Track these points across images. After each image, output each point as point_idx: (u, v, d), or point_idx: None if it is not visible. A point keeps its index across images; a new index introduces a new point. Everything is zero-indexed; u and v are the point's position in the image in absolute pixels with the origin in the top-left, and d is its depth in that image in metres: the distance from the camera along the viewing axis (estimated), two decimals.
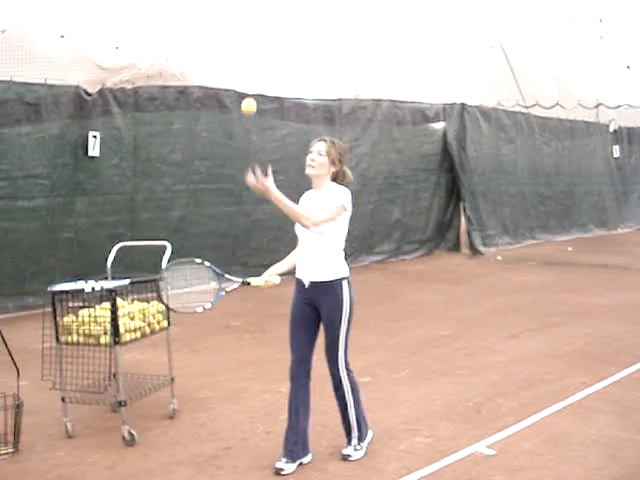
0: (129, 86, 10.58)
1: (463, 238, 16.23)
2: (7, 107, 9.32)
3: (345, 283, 4.87)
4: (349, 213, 4.88)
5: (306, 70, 12.98)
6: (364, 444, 5.04)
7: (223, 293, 4.82)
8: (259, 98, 12.16)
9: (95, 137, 10.09)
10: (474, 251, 15.77)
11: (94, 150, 10.10)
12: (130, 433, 5.22)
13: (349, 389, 4.96)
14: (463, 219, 16.21)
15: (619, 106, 18.16)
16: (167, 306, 4.85)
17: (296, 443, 4.84)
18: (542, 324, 9.14)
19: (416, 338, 8.44)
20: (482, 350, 7.90)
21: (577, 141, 19.64)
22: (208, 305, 4.73)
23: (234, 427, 5.59)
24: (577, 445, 5.18)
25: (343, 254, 4.94)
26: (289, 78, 12.69)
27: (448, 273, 13.59)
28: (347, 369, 4.96)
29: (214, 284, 4.84)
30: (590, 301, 10.56)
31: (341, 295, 4.84)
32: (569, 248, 16.93)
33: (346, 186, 4.94)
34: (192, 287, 4.82)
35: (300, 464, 4.85)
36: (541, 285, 12.12)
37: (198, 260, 4.87)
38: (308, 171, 4.89)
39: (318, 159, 4.85)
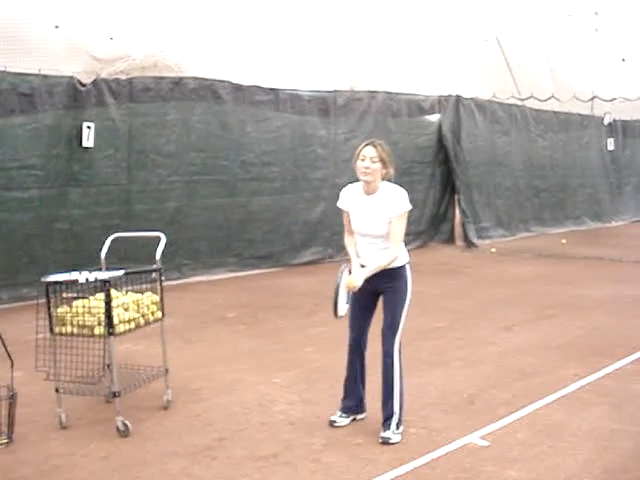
0: (124, 77, 10.55)
1: (458, 230, 16.26)
2: (1, 98, 9.29)
3: (408, 267, 5.25)
4: (410, 207, 5.18)
5: (301, 62, 12.97)
6: (400, 430, 5.14)
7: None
8: (254, 89, 12.18)
9: (89, 128, 10.06)
10: (468, 243, 15.80)
11: (88, 141, 10.08)
12: (124, 424, 5.22)
13: (398, 371, 5.14)
14: (458, 211, 16.24)
15: (614, 99, 18.17)
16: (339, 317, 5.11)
17: (352, 404, 5.38)
18: (536, 316, 9.16)
19: (410, 330, 8.38)
20: (476, 342, 7.91)
21: (572, 134, 19.66)
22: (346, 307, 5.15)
23: (228, 418, 5.60)
24: (570, 436, 5.20)
25: (403, 243, 5.23)
26: (284, 69, 12.67)
27: (442, 265, 13.60)
28: (400, 351, 5.18)
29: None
30: (584, 293, 10.59)
31: (406, 279, 5.21)
32: (563, 240, 16.97)
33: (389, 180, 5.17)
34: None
35: (354, 419, 5.38)
36: (535, 277, 12.14)
37: (343, 266, 5.18)
38: (364, 178, 5.06)
39: (372, 166, 5.02)
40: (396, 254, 5.07)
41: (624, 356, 7.22)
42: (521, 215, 18.01)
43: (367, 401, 5.49)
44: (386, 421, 5.14)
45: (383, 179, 5.13)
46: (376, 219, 5.08)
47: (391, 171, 5.16)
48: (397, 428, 5.11)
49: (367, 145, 5.09)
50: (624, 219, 21.60)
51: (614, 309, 9.53)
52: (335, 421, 5.35)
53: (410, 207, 5.15)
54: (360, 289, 5.09)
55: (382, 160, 5.03)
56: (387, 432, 5.08)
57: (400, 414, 5.14)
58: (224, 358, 7.26)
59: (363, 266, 5.18)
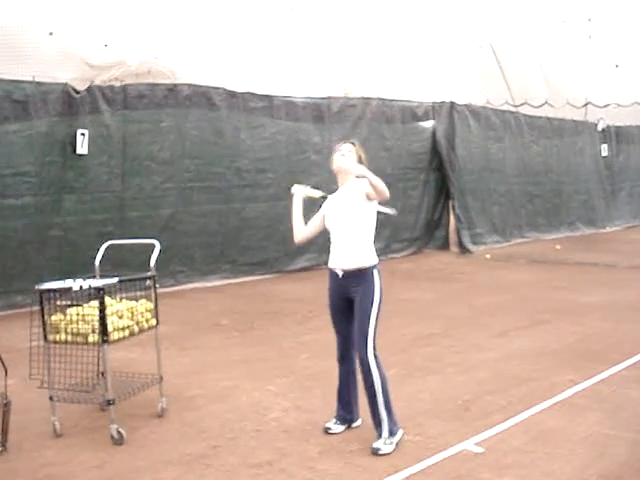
0: (118, 84, 10.56)
1: (452, 236, 16.27)
2: None
3: (375, 271, 5.16)
4: (376, 204, 5.22)
5: (295, 68, 13.00)
6: (394, 440, 5.06)
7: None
8: (248, 96, 12.19)
9: (83, 135, 10.06)
10: (463, 249, 15.81)
11: (82, 148, 10.08)
12: (118, 432, 5.21)
13: (378, 377, 5.05)
14: (452, 217, 16.25)
15: (607, 105, 18.24)
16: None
17: (346, 412, 5.39)
18: (531, 322, 9.16)
19: (405, 336, 8.44)
20: (471, 348, 7.91)
21: (566, 140, 19.71)
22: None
23: (223, 426, 5.58)
24: (565, 442, 5.20)
25: (373, 243, 5.23)
26: (279, 76, 12.70)
27: (437, 271, 13.61)
28: (375, 355, 5.08)
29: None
30: (578, 299, 10.60)
31: (374, 281, 5.12)
32: (557, 246, 16.98)
33: None
34: None
35: (349, 427, 5.40)
36: (530, 283, 12.15)
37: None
38: (338, 163, 5.25)
39: (348, 154, 5.25)
40: (386, 190, 5.06)
41: (619, 362, 7.22)
42: (515, 221, 18.03)
43: (362, 408, 5.46)
44: (377, 429, 5.09)
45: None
46: (346, 205, 5.16)
47: None
48: (389, 437, 5.03)
49: (345, 142, 5.41)
50: (618, 225, 21.64)
51: (609, 315, 9.54)
52: (330, 428, 5.35)
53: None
54: (329, 291, 5.26)
55: (358, 156, 5.30)
56: (378, 442, 5.03)
57: (390, 421, 5.06)
58: (218, 365, 7.24)
59: (330, 269, 5.27)
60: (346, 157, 5.22)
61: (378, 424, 5.08)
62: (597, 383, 6.61)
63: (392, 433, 5.07)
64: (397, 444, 5.07)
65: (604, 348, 7.83)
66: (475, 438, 5.28)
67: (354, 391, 5.40)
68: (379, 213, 5.25)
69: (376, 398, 5.06)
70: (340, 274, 5.17)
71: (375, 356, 5.08)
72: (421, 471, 4.75)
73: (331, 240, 5.30)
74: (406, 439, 5.26)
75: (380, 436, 5.05)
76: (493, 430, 5.44)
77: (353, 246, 5.13)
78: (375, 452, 4.97)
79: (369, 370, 5.05)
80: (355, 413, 5.44)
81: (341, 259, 5.18)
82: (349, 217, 5.14)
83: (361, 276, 5.11)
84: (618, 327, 8.83)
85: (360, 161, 5.26)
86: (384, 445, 5.00)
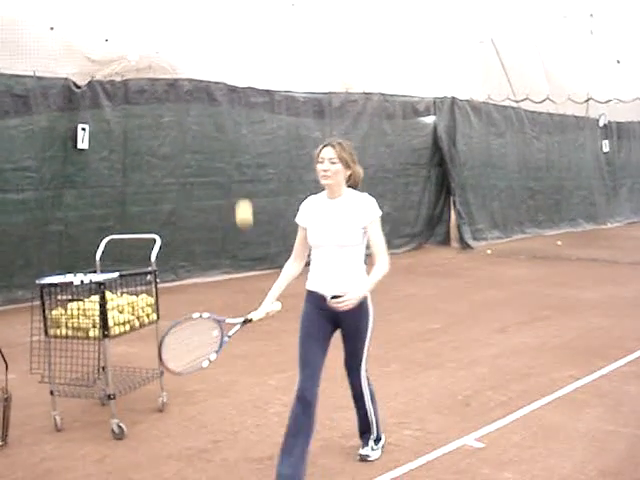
0: (119, 79, 10.55)
1: (453, 232, 16.27)
2: None
3: (369, 296, 4.63)
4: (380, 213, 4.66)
5: (296, 63, 12.99)
6: (380, 445, 4.99)
7: (227, 339, 4.50)
8: (249, 91, 12.17)
9: (84, 130, 10.06)
10: (464, 245, 15.81)
11: (83, 143, 10.07)
12: (119, 426, 5.21)
13: (369, 398, 4.83)
14: (453, 213, 16.24)
15: (609, 101, 18.23)
16: (177, 373, 4.42)
17: (290, 467, 4.36)
18: (531, 318, 9.16)
19: (405, 332, 8.45)
20: (471, 343, 7.91)
21: (567, 135, 19.70)
22: (213, 356, 4.45)
23: (223, 420, 5.59)
24: (565, 438, 5.20)
25: (365, 264, 4.64)
26: (279, 71, 12.69)
27: (438, 267, 13.61)
28: (367, 377, 4.82)
29: (216, 332, 4.50)
30: (579, 295, 10.60)
31: (367, 305, 4.61)
32: (558, 242, 16.98)
33: (359, 188, 4.68)
34: (193, 344, 4.44)
35: None
36: (530, 279, 12.15)
37: (195, 315, 4.44)
38: (324, 182, 4.52)
39: (332, 167, 4.48)
40: (387, 263, 4.49)
41: (619, 357, 7.22)
42: (516, 217, 18.03)
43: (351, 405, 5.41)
44: (363, 435, 4.96)
45: (349, 182, 4.61)
46: (341, 224, 4.48)
47: (358, 170, 4.63)
48: (376, 444, 4.94)
49: (325, 146, 4.55)
50: (619, 221, 21.63)
51: (609, 310, 9.54)
52: None
53: (379, 213, 4.58)
54: (305, 314, 4.68)
55: (343, 160, 4.49)
56: (366, 449, 4.91)
57: (377, 429, 4.95)
58: (219, 360, 7.17)
59: (311, 291, 4.64)
60: (331, 171, 4.48)
61: (364, 432, 4.94)
62: (597, 379, 6.61)
63: (379, 439, 4.97)
64: (383, 447, 5.00)
65: (604, 344, 7.83)
66: (475, 433, 5.28)
67: (305, 445, 4.44)
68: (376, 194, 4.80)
69: (368, 416, 4.88)
70: (329, 298, 4.48)
71: (367, 379, 4.82)
72: (421, 466, 4.75)
73: (313, 258, 4.66)
74: (407, 434, 5.27)
75: (367, 444, 4.92)
76: (493, 425, 5.45)
77: (347, 270, 4.52)
78: (364, 459, 4.88)
79: (361, 394, 4.82)
80: (301, 476, 4.40)
81: (331, 284, 4.52)
82: (343, 238, 4.49)
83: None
84: (619, 323, 8.83)
85: (347, 165, 4.52)
86: (372, 451, 4.91)
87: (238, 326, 4.56)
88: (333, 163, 4.49)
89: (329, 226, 4.53)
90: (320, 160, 4.53)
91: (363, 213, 4.52)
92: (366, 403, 4.83)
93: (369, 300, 4.63)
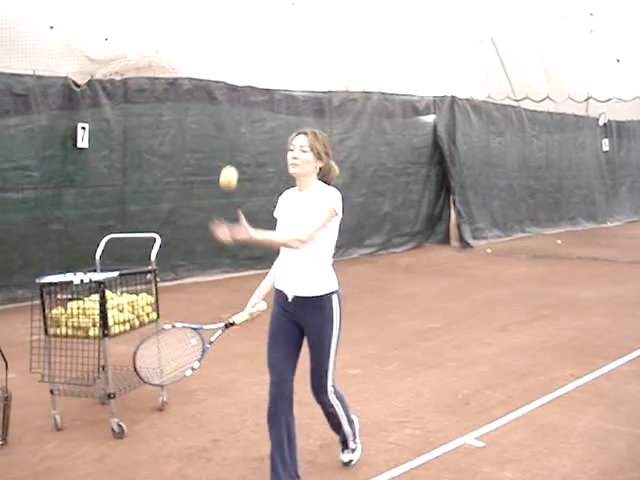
0: (118, 78, 10.54)
1: (453, 231, 16.26)
2: None
3: (335, 297, 4.31)
4: (339, 218, 4.32)
5: (296, 62, 12.98)
6: (357, 439, 4.86)
7: (208, 346, 4.41)
8: (249, 90, 12.17)
9: (84, 129, 10.05)
10: (464, 244, 15.81)
11: (83, 142, 10.07)
12: (119, 425, 5.21)
13: (339, 407, 4.55)
14: (453, 212, 16.24)
15: (609, 100, 18.23)
16: (158, 385, 4.47)
17: (284, 473, 4.31)
18: (531, 317, 9.16)
19: (405, 330, 8.45)
20: (471, 342, 7.91)
21: (567, 134, 19.70)
22: (196, 364, 4.38)
23: (223, 419, 5.59)
24: (565, 437, 5.20)
25: (331, 264, 4.39)
26: (279, 70, 12.68)
27: (438, 266, 13.61)
28: (334, 390, 4.49)
29: (194, 341, 4.41)
30: (579, 294, 10.59)
31: (331, 311, 4.29)
32: (558, 241, 16.98)
33: (334, 185, 4.43)
34: (171, 355, 4.42)
35: None
36: (530, 278, 12.15)
37: (167, 326, 4.39)
38: (292, 170, 4.30)
39: (302, 156, 4.27)
40: (298, 239, 4.11)
41: (619, 356, 7.22)
42: (516, 216, 18.03)
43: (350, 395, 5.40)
44: (342, 444, 4.78)
45: (320, 176, 4.40)
46: (301, 217, 4.24)
47: (332, 166, 4.44)
48: (353, 441, 4.75)
49: (298, 134, 4.35)
50: (619, 220, 21.63)
51: (609, 309, 9.54)
52: None
53: (337, 208, 4.24)
54: (272, 313, 4.46)
55: (314, 150, 4.28)
56: (347, 455, 4.76)
57: (352, 432, 4.74)
58: (219, 359, 7.22)
59: (278, 290, 4.41)
60: (300, 159, 4.27)
61: (344, 440, 4.76)
62: (597, 378, 6.61)
63: (354, 437, 4.78)
64: (359, 433, 4.87)
65: (605, 343, 7.83)
66: (475, 432, 5.28)
67: (291, 448, 4.39)
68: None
69: (340, 425, 4.65)
70: (290, 299, 4.31)
71: (334, 390, 4.49)
72: (421, 465, 4.75)
73: (280, 254, 4.45)
74: (407, 433, 5.27)
75: (347, 447, 4.77)
76: (493, 424, 5.45)
77: (307, 269, 4.27)
78: (348, 464, 4.76)
79: (331, 406, 4.52)
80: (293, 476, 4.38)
81: (292, 283, 4.30)
82: None
83: (316, 304, 4.27)
84: (619, 322, 8.83)
85: (319, 157, 4.31)
86: (353, 453, 4.78)
87: (220, 331, 4.44)
88: (304, 152, 4.29)
89: (291, 218, 4.34)
90: (291, 147, 4.33)
91: (318, 200, 4.26)
92: (338, 413, 4.56)
93: (335, 304, 4.31)
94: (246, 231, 4.08)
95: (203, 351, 4.41)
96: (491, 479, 4.56)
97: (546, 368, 6.90)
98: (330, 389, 4.44)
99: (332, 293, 4.31)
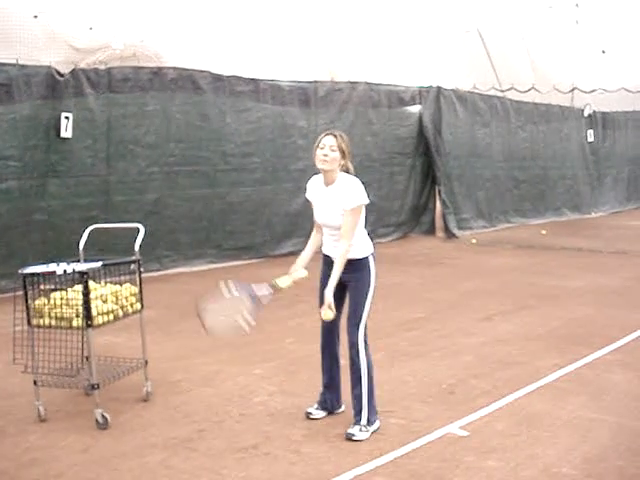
0: (103, 67, 10.47)
1: (438, 221, 16.29)
2: None
3: (371, 258, 5.15)
4: (367, 201, 5.08)
5: (282, 52, 12.94)
6: (371, 429, 5.05)
7: (262, 309, 5.10)
8: (234, 80, 12.12)
9: (68, 118, 9.97)
10: (449, 234, 15.84)
11: (67, 131, 9.99)
12: (103, 416, 5.19)
13: (365, 363, 5.07)
14: (438, 202, 16.26)
15: (594, 90, 18.28)
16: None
17: (327, 399, 5.35)
18: (516, 306, 9.20)
19: (391, 320, 8.46)
20: (456, 332, 7.94)
21: (552, 125, 19.74)
22: (250, 322, 5.02)
23: (208, 409, 5.58)
24: (549, 426, 5.23)
25: (366, 232, 5.20)
26: (264, 60, 12.64)
27: (423, 256, 13.63)
28: (365, 342, 5.12)
29: (250, 302, 5.14)
30: (563, 284, 10.65)
31: (369, 270, 5.12)
32: (543, 232, 17.04)
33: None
34: (228, 311, 5.15)
35: (330, 413, 5.36)
36: (515, 268, 12.19)
37: (223, 287, 5.26)
38: (321, 166, 5.02)
39: (331, 154, 4.99)
40: (346, 248, 4.98)
41: (603, 346, 7.27)
42: (501, 206, 18.07)
43: (346, 393, 5.46)
44: (356, 416, 5.07)
45: (342, 170, 5.13)
46: (332, 210, 5.06)
47: (350, 165, 5.15)
48: (367, 425, 5.02)
49: (327, 135, 5.08)
50: (604, 210, 21.74)
51: (593, 299, 9.59)
52: (310, 413, 5.35)
53: (366, 201, 5.07)
54: (321, 275, 5.22)
55: (341, 150, 5.02)
56: (354, 428, 5.01)
57: (370, 409, 5.06)
58: (204, 349, 7.23)
59: (327, 256, 5.23)
60: (329, 157, 4.99)
61: (358, 411, 5.06)
62: (581, 367, 6.66)
63: (370, 422, 5.07)
64: (373, 432, 5.05)
65: (588, 332, 7.88)
66: (460, 422, 5.30)
67: (337, 377, 5.36)
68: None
69: (360, 384, 5.06)
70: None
71: (365, 342, 5.11)
72: (406, 454, 4.77)
73: (323, 231, 5.26)
74: (391, 422, 5.28)
75: (358, 422, 5.04)
76: (478, 414, 5.47)
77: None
78: (349, 437, 4.96)
79: (357, 354, 5.06)
80: (337, 399, 5.40)
81: (335, 250, 5.11)
82: (338, 218, 5.03)
83: (355, 265, 5.08)
84: (602, 312, 8.89)
85: (344, 155, 5.05)
86: (359, 432, 4.99)
87: (270, 296, 5.10)
88: (333, 150, 5.00)
89: (324, 211, 5.13)
90: (321, 146, 5.03)
91: (345, 199, 5.00)
92: (362, 368, 5.06)
93: (371, 265, 5.14)
94: (330, 296, 4.96)
95: (257, 310, 5.07)
96: (475, 468, 4.58)
97: (530, 357, 6.93)
98: (362, 336, 5.10)
99: (369, 255, 5.14)
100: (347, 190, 5.02)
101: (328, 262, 5.18)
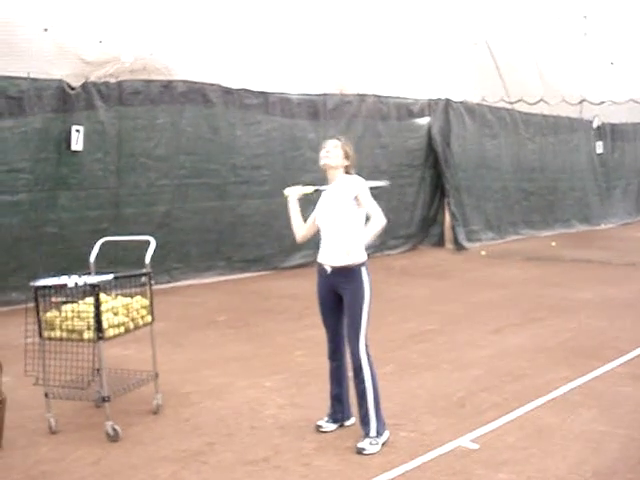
0: (113, 80, 10.53)
1: (447, 233, 16.27)
2: None
3: (364, 269, 5.12)
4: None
5: (291, 65, 12.98)
6: (380, 440, 5.03)
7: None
8: (244, 93, 12.18)
9: (78, 131, 10.04)
10: (458, 246, 15.82)
11: (77, 144, 10.05)
12: (114, 429, 5.20)
13: (369, 374, 5.05)
14: (447, 214, 16.25)
15: (602, 102, 18.24)
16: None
17: (337, 411, 5.36)
18: (525, 319, 9.18)
19: (400, 333, 8.45)
20: (466, 345, 7.92)
21: (561, 137, 19.73)
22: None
23: (218, 422, 5.58)
24: (560, 439, 5.21)
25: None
26: (274, 73, 12.68)
27: (432, 268, 13.62)
28: (367, 352, 5.08)
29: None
30: (573, 296, 10.62)
31: (362, 280, 5.09)
32: (552, 243, 17.01)
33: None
34: None
35: (341, 425, 5.37)
36: (525, 280, 12.17)
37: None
38: (323, 161, 5.17)
39: (333, 150, 5.16)
40: (382, 217, 5.10)
41: (613, 359, 7.24)
42: (510, 218, 18.05)
43: (354, 405, 5.45)
44: (364, 428, 5.05)
45: (345, 173, 5.23)
46: (333, 201, 5.15)
47: (352, 172, 5.25)
48: (376, 437, 5.00)
49: (331, 139, 5.30)
50: (613, 222, 21.68)
51: (603, 311, 9.56)
52: (321, 426, 5.34)
53: (368, 185, 5.18)
54: (317, 286, 5.30)
55: (343, 149, 5.18)
56: (364, 442, 4.98)
57: (378, 421, 5.04)
58: (214, 362, 7.24)
59: (321, 264, 5.27)
60: (331, 152, 5.16)
61: (366, 423, 5.05)
62: (591, 380, 6.62)
63: (379, 433, 5.05)
64: (383, 444, 5.04)
65: (598, 345, 7.85)
66: (470, 435, 5.29)
67: (345, 388, 5.37)
68: (372, 188, 5.22)
69: (366, 396, 5.04)
70: (328, 270, 5.16)
71: (367, 353, 5.08)
72: (416, 467, 4.76)
73: (321, 236, 5.30)
74: (402, 435, 5.27)
75: (367, 435, 5.02)
76: (488, 427, 5.45)
77: (341, 243, 5.09)
78: (360, 452, 4.93)
79: (360, 367, 5.05)
80: (347, 410, 5.41)
81: (329, 256, 5.16)
82: (337, 215, 5.12)
83: (350, 273, 5.08)
84: (612, 324, 8.86)
85: (347, 157, 5.20)
86: (370, 445, 4.97)
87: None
88: (335, 147, 5.19)
89: (327, 203, 5.22)
90: (325, 147, 5.22)
91: (351, 186, 5.10)
92: (365, 380, 5.03)
93: (364, 274, 5.12)
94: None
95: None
96: None
97: (540, 370, 6.91)
98: (363, 348, 5.05)
99: (362, 264, 5.12)
100: (351, 182, 5.11)
101: (324, 273, 5.21)
